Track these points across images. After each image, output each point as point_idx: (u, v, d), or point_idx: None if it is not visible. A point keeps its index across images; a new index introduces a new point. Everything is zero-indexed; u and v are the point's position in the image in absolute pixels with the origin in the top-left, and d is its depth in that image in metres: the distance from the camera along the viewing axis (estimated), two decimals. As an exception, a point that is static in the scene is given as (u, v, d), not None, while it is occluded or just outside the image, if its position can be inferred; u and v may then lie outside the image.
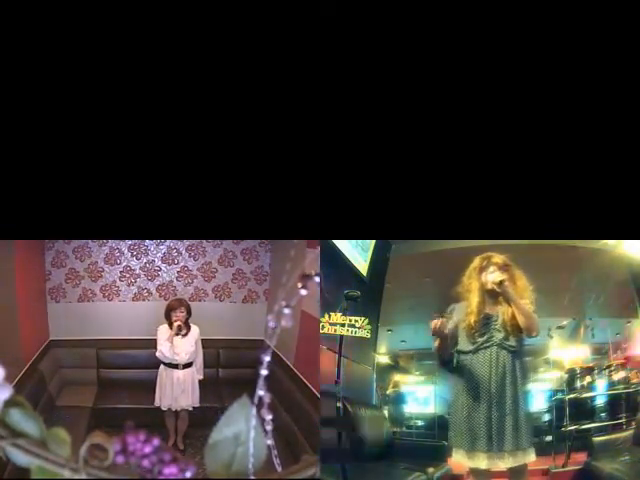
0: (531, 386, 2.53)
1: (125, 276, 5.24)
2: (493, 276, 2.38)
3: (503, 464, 2.30)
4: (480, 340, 2.37)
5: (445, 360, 2.47)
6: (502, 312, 2.38)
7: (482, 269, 2.42)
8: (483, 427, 2.31)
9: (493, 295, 2.40)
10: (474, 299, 2.40)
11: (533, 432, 2.43)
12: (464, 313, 2.42)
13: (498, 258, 2.43)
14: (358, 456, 3.39)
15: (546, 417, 4.36)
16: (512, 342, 2.36)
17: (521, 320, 2.33)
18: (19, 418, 0.62)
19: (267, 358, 0.65)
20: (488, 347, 2.36)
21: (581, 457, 3.66)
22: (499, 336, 2.36)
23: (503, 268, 2.40)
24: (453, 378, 2.49)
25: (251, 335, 5.01)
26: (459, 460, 2.40)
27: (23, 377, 3.88)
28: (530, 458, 2.33)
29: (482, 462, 2.30)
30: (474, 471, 2.38)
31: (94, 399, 4.63)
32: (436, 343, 2.36)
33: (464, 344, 2.41)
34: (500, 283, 2.35)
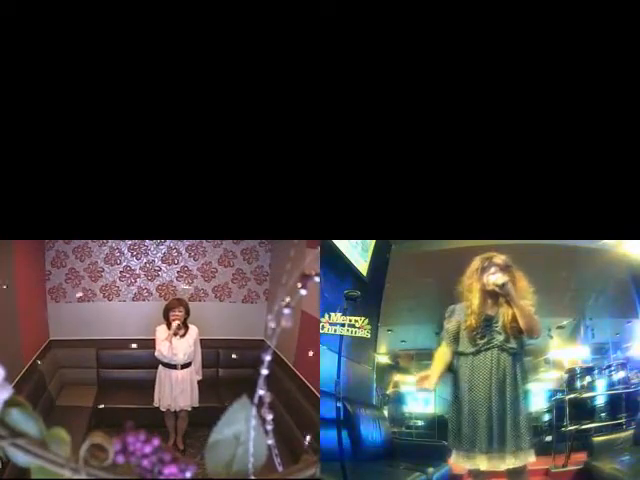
0: (531, 387, 2.54)
1: (125, 276, 5.24)
2: (494, 277, 2.36)
3: (504, 465, 2.30)
4: (481, 342, 2.37)
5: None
6: (502, 314, 2.37)
7: (483, 270, 2.40)
8: (483, 429, 2.31)
9: (494, 296, 2.39)
10: (475, 300, 2.38)
11: (533, 433, 2.44)
12: (465, 314, 2.41)
13: (499, 259, 2.40)
14: (358, 456, 3.39)
15: (546, 417, 4.36)
16: (513, 344, 2.35)
17: (522, 322, 2.32)
18: (19, 418, 0.62)
19: (268, 357, 0.65)
20: (489, 349, 2.36)
21: (581, 457, 3.66)
22: (500, 338, 2.35)
23: (504, 269, 2.38)
24: (453, 380, 2.49)
25: (251, 335, 5.01)
26: (458, 462, 2.41)
27: (23, 377, 3.88)
28: (530, 459, 2.33)
29: (482, 463, 2.30)
30: (473, 472, 2.39)
31: (94, 399, 4.62)
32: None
33: (465, 346, 2.41)
34: (502, 285, 2.33)
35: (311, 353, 3.44)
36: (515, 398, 2.33)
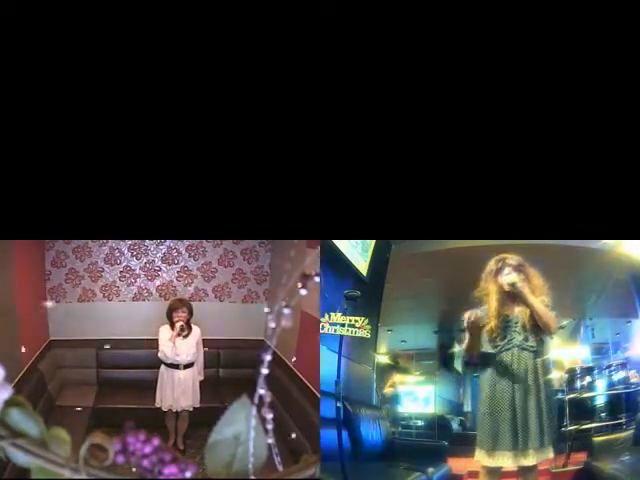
0: (553, 384, 2.58)
1: (125, 276, 5.24)
2: (508, 277, 2.40)
3: (527, 462, 2.33)
4: (501, 343, 2.41)
5: (470, 361, 2.54)
6: (521, 313, 2.41)
7: (497, 271, 2.45)
8: (507, 427, 2.34)
9: (511, 297, 2.43)
10: (492, 303, 2.43)
11: (555, 429, 2.47)
12: (485, 317, 2.44)
13: (512, 259, 2.46)
14: (358, 456, 3.39)
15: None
16: (532, 342, 2.40)
17: (538, 319, 2.37)
18: (19, 418, 0.62)
19: (268, 357, 0.65)
20: (509, 349, 2.40)
21: (581, 457, 3.65)
22: (519, 338, 2.40)
23: (517, 269, 2.43)
24: (478, 380, 2.54)
25: (251, 335, 5.01)
26: (480, 459, 2.42)
27: (23, 377, 3.88)
28: (550, 455, 2.40)
29: (506, 461, 2.34)
30: (489, 470, 2.40)
31: (94, 399, 4.63)
32: (466, 341, 2.42)
33: (486, 347, 2.45)
34: (513, 285, 2.37)
35: (311, 353, 3.44)
36: (537, 396, 2.36)
